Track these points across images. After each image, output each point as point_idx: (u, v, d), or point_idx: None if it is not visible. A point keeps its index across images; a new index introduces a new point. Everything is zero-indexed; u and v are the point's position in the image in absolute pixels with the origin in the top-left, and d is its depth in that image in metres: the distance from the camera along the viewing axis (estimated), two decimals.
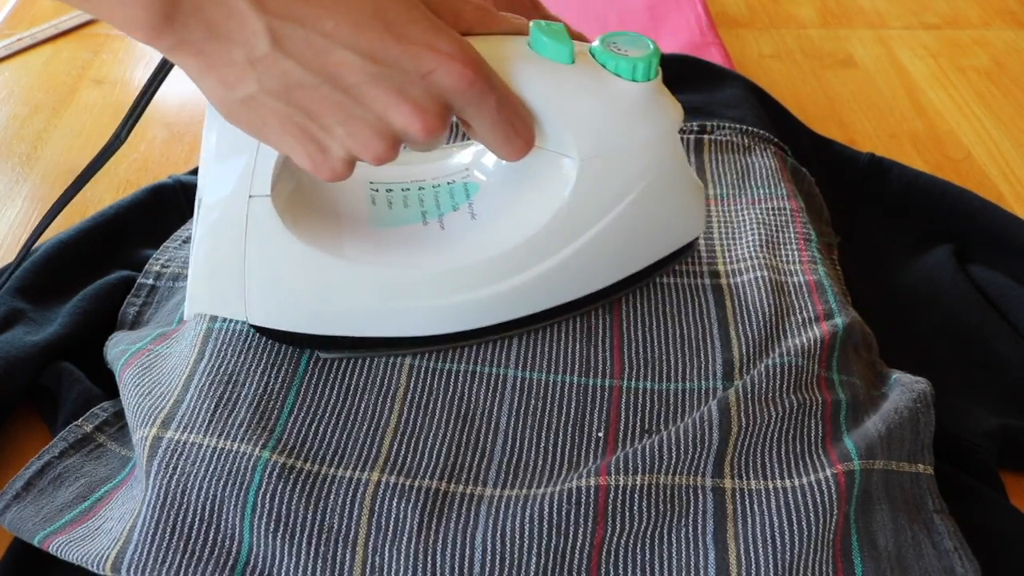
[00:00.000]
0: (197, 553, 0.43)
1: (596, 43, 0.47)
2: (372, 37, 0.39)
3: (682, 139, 0.67)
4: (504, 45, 0.45)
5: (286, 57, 0.38)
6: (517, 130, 0.45)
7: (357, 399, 0.48)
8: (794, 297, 0.53)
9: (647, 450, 0.45)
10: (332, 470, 0.45)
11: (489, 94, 0.42)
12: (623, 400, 0.49)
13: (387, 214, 0.51)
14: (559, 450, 0.47)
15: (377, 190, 0.52)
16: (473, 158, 0.53)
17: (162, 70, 0.44)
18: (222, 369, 0.48)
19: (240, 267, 0.47)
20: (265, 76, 0.39)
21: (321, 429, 0.46)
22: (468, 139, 0.55)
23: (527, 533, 0.42)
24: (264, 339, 0.50)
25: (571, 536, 0.42)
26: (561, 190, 0.48)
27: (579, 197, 0.48)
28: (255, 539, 0.43)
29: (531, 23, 0.46)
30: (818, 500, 0.43)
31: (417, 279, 0.48)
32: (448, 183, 0.52)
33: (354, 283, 0.48)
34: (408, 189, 0.52)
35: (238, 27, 0.38)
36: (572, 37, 0.47)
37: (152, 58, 0.92)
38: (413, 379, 0.49)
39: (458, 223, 0.50)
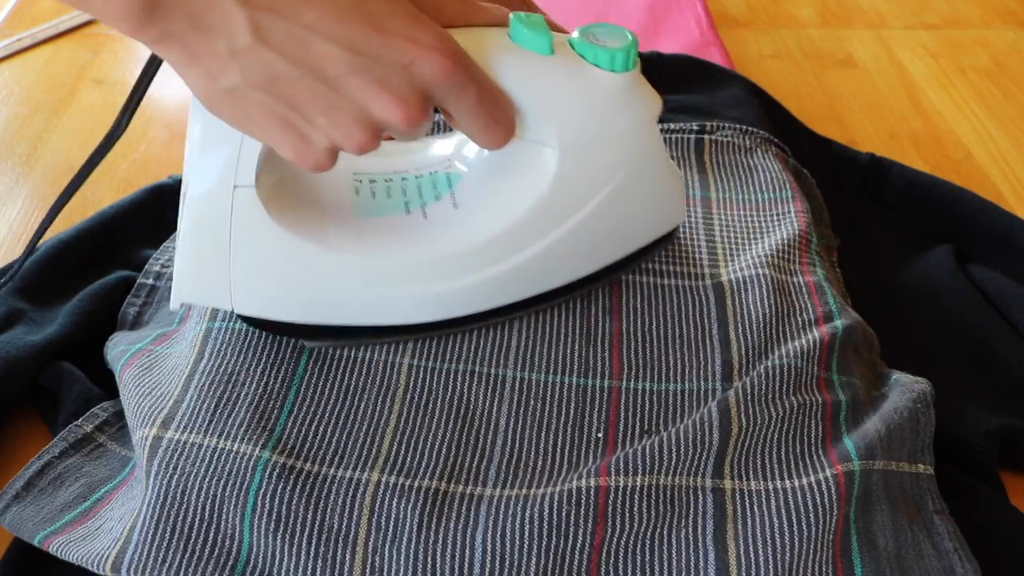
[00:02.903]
0: (197, 553, 0.43)
1: (575, 34, 0.47)
2: (353, 29, 0.39)
3: (682, 139, 0.67)
4: (484, 36, 0.45)
5: (268, 49, 0.39)
6: (497, 119, 0.45)
7: (357, 399, 0.48)
8: (794, 298, 0.53)
9: (647, 451, 0.45)
10: (332, 470, 0.45)
11: (469, 84, 0.42)
12: (623, 401, 0.49)
13: (371, 204, 0.51)
14: (559, 450, 0.47)
15: (361, 181, 0.52)
16: (455, 149, 0.54)
17: (156, 60, 0.45)
18: (222, 369, 0.48)
19: (226, 257, 0.47)
20: (247, 68, 0.39)
21: (321, 429, 0.46)
22: (451, 131, 0.56)
23: (527, 533, 0.42)
24: (264, 339, 0.50)
25: (571, 537, 0.42)
26: (542, 179, 0.49)
27: (559, 186, 0.49)
28: (255, 539, 0.43)
29: (511, 14, 0.46)
30: (818, 501, 0.43)
31: (401, 267, 0.49)
32: (431, 174, 0.53)
33: (338, 272, 0.48)
34: (391, 180, 0.53)
35: (220, 19, 0.38)
36: (553, 29, 0.47)
37: None
38: (413, 379, 0.49)
39: (441, 212, 0.51)
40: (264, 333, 0.50)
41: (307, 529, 0.43)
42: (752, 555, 0.42)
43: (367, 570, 0.42)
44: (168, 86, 0.88)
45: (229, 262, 0.47)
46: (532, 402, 0.49)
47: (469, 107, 0.43)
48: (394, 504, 0.43)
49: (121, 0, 0.37)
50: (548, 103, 0.47)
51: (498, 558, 0.42)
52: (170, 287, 0.60)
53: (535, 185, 0.49)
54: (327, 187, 0.51)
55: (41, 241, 0.63)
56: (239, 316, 0.50)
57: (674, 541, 0.43)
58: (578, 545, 0.43)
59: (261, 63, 0.39)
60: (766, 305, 0.52)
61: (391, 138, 0.46)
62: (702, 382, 0.50)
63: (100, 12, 0.38)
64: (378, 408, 0.48)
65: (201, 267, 0.48)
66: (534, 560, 0.42)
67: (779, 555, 0.42)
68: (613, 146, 0.49)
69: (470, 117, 0.44)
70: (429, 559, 0.42)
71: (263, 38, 0.39)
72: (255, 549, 0.43)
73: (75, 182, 0.50)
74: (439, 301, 0.50)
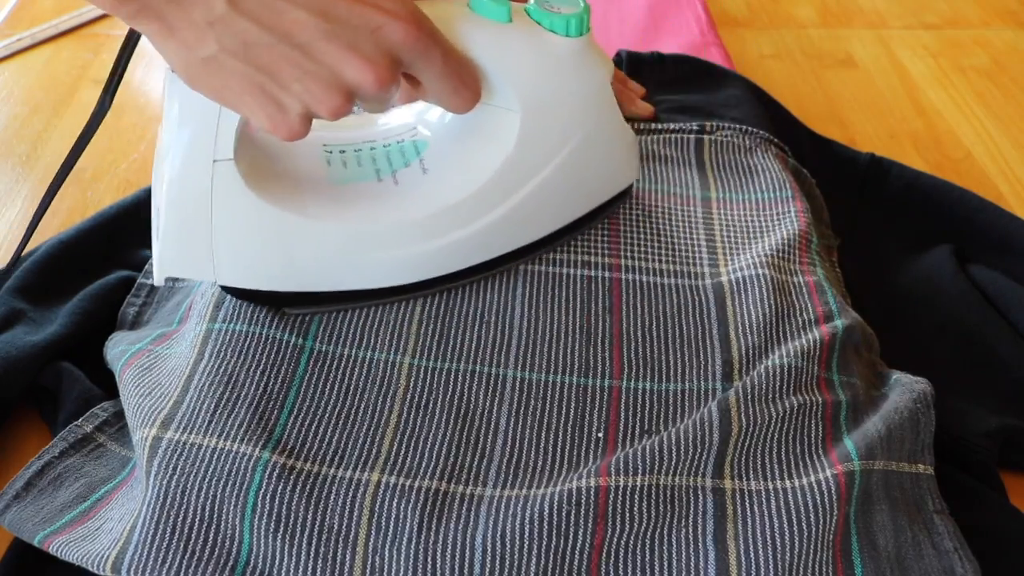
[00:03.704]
0: (197, 553, 0.43)
1: (531, 2, 0.50)
2: None
3: (682, 139, 0.67)
4: (445, 7, 0.48)
5: (243, 17, 0.40)
6: (464, 83, 0.47)
7: (357, 399, 0.48)
8: (794, 298, 0.53)
9: (647, 451, 0.45)
10: (332, 470, 0.45)
11: (434, 48, 0.45)
12: (623, 400, 0.49)
13: (343, 172, 0.53)
14: (559, 450, 0.47)
15: (331, 152, 0.54)
16: (417, 119, 0.56)
17: (133, 37, 0.46)
18: (222, 369, 0.48)
19: (207, 229, 0.48)
20: (224, 36, 0.41)
21: (321, 429, 0.46)
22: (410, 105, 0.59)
23: (527, 534, 0.42)
24: (264, 339, 0.50)
25: (571, 537, 0.42)
26: (506, 142, 0.51)
27: (523, 147, 0.52)
28: (255, 539, 0.43)
29: None
30: (818, 501, 0.43)
31: (378, 232, 0.51)
32: (398, 142, 0.55)
33: (318, 239, 0.50)
34: (360, 150, 0.55)
35: None
36: None
37: (151, 59, 0.92)
38: (413, 379, 0.49)
39: (411, 178, 0.53)
40: (265, 334, 0.50)
41: (307, 529, 0.43)
42: (752, 555, 0.42)
43: (367, 570, 0.42)
44: None
45: (211, 235, 0.49)
46: (532, 402, 0.49)
47: (436, 71, 0.46)
48: (394, 504, 0.43)
49: None
50: (509, 68, 0.50)
51: (498, 558, 0.42)
52: (170, 287, 0.60)
53: (500, 148, 0.51)
54: (299, 159, 0.53)
55: (41, 242, 0.63)
56: (222, 288, 0.51)
57: (674, 541, 0.43)
58: (578, 545, 0.43)
59: (236, 31, 0.41)
60: (766, 305, 0.52)
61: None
62: (702, 382, 0.50)
63: None
64: (378, 408, 0.48)
65: (184, 240, 0.49)
66: (534, 560, 0.42)
67: (779, 555, 0.42)
68: (571, 107, 0.52)
69: (437, 81, 0.46)
70: (429, 559, 0.42)
71: (237, 6, 0.40)
72: (255, 549, 0.43)
73: (66, 166, 0.51)
74: (415, 263, 0.52)
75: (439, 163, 0.53)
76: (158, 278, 0.50)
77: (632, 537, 0.43)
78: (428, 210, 0.51)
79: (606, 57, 0.52)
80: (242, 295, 0.51)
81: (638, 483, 0.44)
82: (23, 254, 0.63)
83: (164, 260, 0.49)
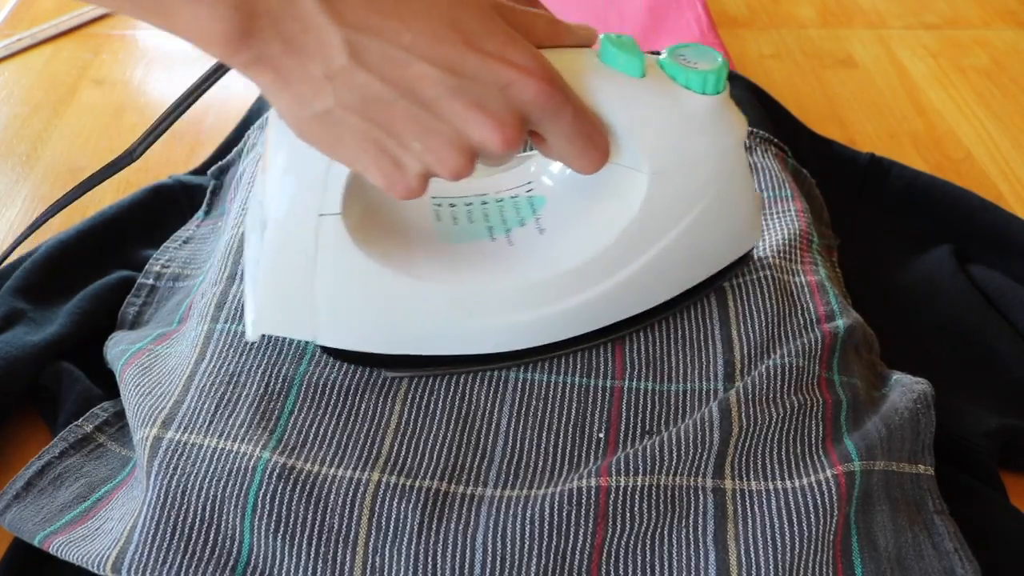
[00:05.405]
0: (197, 554, 0.43)
1: (664, 55, 0.46)
2: (451, 49, 0.38)
3: None
4: (576, 58, 0.44)
5: (364, 70, 0.38)
6: (594, 142, 0.43)
7: (357, 399, 0.48)
8: (796, 298, 0.53)
9: (648, 451, 0.45)
10: (332, 470, 0.45)
11: (565, 107, 0.41)
12: (624, 401, 0.49)
13: (453, 230, 0.50)
14: (560, 451, 0.47)
15: (440, 205, 0.51)
16: (535, 172, 0.53)
17: (195, 91, 0.44)
18: (223, 370, 0.48)
19: (309, 287, 0.46)
20: (342, 90, 0.38)
21: (321, 429, 0.46)
22: (526, 153, 0.55)
23: (527, 534, 0.42)
24: (265, 340, 0.50)
25: (571, 537, 0.42)
26: (631, 203, 0.47)
27: (649, 210, 0.47)
28: (255, 539, 0.43)
29: (601, 36, 0.45)
30: (818, 501, 0.43)
31: (491, 297, 0.48)
32: (512, 197, 0.52)
33: (427, 302, 0.47)
34: (471, 204, 0.51)
35: (315, 41, 0.37)
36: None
37: (151, 59, 0.92)
38: (414, 379, 0.49)
39: (527, 238, 0.50)
40: (266, 335, 0.50)
41: (307, 529, 0.43)
42: (753, 555, 0.42)
43: (367, 570, 0.42)
44: (169, 87, 0.88)
45: (313, 292, 0.46)
46: (533, 402, 0.49)
47: (565, 131, 0.42)
48: (394, 504, 0.43)
49: (215, 24, 0.36)
50: (640, 127, 0.46)
51: (498, 558, 0.42)
52: (170, 287, 0.60)
53: (625, 210, 0.48)
54: (408, 213, 0.50)
55: (41, 242, 0.63)
56: (321, 347, 0.49)
57: (675, 541, 0.43)
58: (578, 545, 0.43)
59: (356, 85, 0.38)
60: (768, 304, 0.52)
61: None
62: (704, 382, 0.50)
63: (192, 35, 0.37)
64: (379, 408, 0.48)
65: (283, 297, 0.46)
66: (534, 560, 0.42)
67: (780, 555, 0.42)
68: (703, 169, 0.48)
69: (566, 141, 0.43)
70: (429, 559, 0.42)
71: (359, 59, 0.37)
72: (255, 550, 0.43)
73: (73, 194, 0.50)
74: (526, 329, 0.49)
75: (557, 223, 0.50)
76: (253, 335, 0.47)
77: (632, 537, 0.43)
78: (545, 275, 0.48)
79: (741, 115, 0.48)
80: (341, 356, 0.48)
81: (639, 483, 0.44)
82: (23, 254, 0.63)
83: (261, 316, 0.47)
